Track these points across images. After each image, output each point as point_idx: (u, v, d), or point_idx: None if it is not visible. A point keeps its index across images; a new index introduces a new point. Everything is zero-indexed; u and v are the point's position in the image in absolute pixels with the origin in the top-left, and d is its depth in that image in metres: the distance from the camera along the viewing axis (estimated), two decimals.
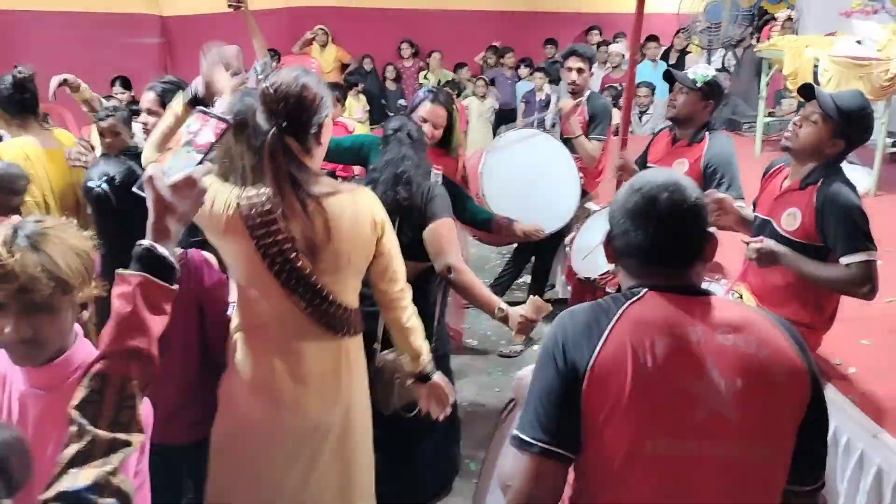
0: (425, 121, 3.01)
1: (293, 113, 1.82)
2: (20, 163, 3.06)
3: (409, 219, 2.56)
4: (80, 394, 1.14)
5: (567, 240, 3.90)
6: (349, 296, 1.97)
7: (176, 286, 1.23)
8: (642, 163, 3.70)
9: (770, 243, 2.38)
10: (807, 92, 2.47)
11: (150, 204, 1.22)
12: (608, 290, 3.47)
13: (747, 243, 2.43)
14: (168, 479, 2.21)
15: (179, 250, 2.04)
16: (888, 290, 2.30)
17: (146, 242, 1.21)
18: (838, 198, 2.29)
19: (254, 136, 1.85)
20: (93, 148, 3.66)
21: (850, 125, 2.35)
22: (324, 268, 1.87)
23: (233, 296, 2.11)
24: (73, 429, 1.11)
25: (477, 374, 4.18)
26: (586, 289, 3.63)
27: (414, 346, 2.14)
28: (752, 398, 1.23)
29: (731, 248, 2.72)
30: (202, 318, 2.10)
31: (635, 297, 1.31)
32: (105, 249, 1.95)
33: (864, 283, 2.25)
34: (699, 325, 1.27)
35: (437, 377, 2.21)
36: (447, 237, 2.53)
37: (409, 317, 2.12)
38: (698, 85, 3.25)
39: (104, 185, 2.08)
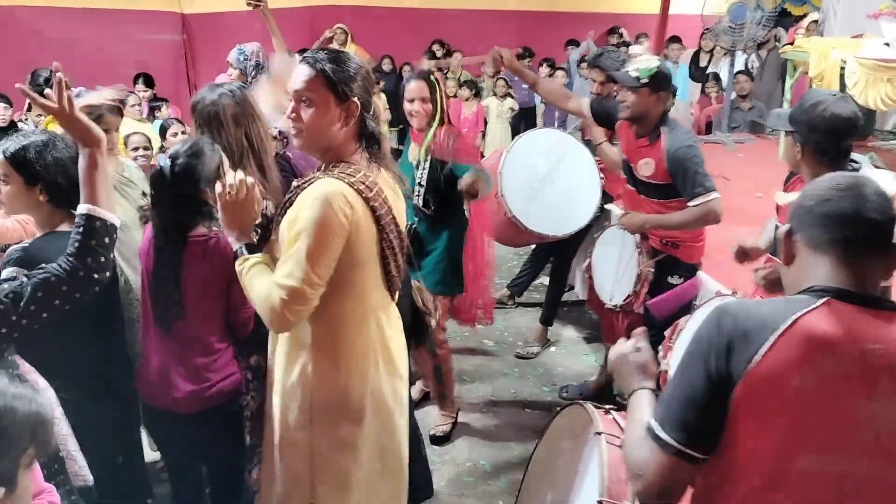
0: (411, 100, 3.15)
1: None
2: None
3: None
4: None
5: (584, 267, 3.83)
6: None
7: None
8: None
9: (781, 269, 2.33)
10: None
11: None
12: (636, 310, 3.36)
13: (756, 270, 2.41)
14: (181, 447, 2.29)
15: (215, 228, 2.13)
16: None
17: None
18: None
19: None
20: None
21: (796, 125, 2.33)
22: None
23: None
24: None
25: (492, 375, 4.15)
26: (617, 315, 3.53)
27: None
28: None
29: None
30: (229, 294, 2.15)
31: (812, 306, 1.22)
32: None
33: None
34: (880, 344, 1.20)
35: None
36: None
37: None
38: (642, 82, 3.08)
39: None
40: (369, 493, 2.01)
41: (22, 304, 1.69)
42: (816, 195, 1.31)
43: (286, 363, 1.95)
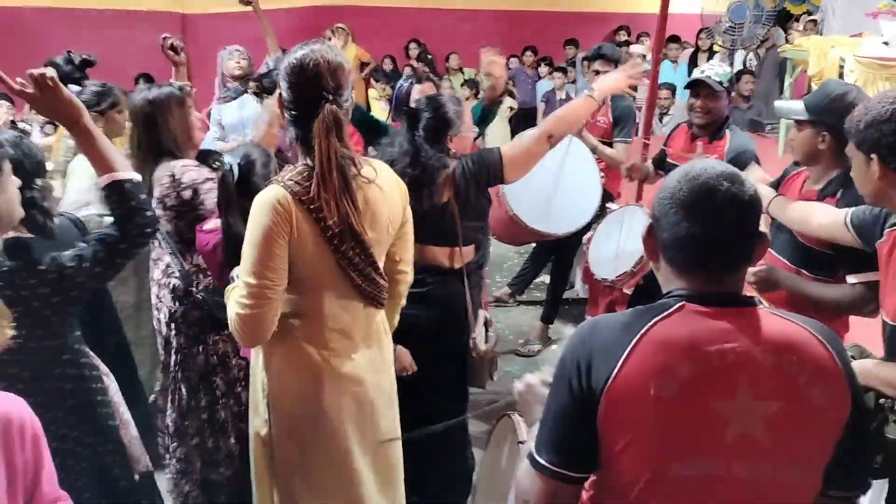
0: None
1: (339, 83, 1.76)
2: None
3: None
4: None
5: (584, 239, 3.88)
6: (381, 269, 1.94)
7: None
8: (661, 160, 3.68)
9: (770, 269, 2.33)
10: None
11: None
12: (626, 290, 3.44)
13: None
14: None
15: None
16: None
17: None
18: None
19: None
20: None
21: (823, 116, 2.25)
22: (371, 241, 1.84)
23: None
24: None
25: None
26: (603, 290, 3.61)
27: (395, 319, 2.17)
28: (786, 422, 1.17)
29: None
30: None
31: (665, 312, 1.20)
32: None
33: (871, 302, 2.14)
34: (736, 343, 1.17)
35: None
36: None
37: (404, 292, 2.15)
38: (724, 86, 3.26)
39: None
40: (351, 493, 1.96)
41: (86, 265, 1.76)
42: (671, 188, 1.23)
43: (254, 361, 1.97)
